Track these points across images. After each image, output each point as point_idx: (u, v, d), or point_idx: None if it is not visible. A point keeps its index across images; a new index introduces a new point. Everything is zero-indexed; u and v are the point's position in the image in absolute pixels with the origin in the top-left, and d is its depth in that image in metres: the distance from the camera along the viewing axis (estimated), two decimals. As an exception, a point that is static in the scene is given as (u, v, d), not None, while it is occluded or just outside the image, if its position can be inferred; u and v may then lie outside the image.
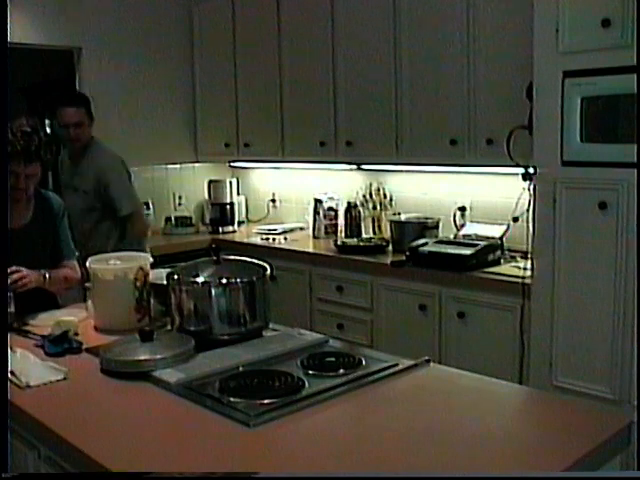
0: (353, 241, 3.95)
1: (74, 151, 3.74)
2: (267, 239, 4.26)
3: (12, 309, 2.32)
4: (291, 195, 4.76)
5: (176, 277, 2.15)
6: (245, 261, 2.44)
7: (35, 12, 4.18)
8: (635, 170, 2.37)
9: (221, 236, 4.56)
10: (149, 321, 2.30)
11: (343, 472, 1.36)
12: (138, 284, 2.28)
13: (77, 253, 2.82)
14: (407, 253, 3.39)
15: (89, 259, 2.39)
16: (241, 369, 1.87)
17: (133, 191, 3.78)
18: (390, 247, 3.75)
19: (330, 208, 4.26)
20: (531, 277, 2.79)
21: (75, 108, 3.58)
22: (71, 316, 2.28)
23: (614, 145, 2.45)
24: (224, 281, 2.08)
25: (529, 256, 2.91)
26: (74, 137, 3.61)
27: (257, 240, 4.28)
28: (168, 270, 2.26)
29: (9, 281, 2.34)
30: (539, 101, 2.64)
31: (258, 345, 2.06)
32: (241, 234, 4.59)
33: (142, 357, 1.87)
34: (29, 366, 1.88)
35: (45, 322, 2.26)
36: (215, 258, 2.21)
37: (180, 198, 4.89)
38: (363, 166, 4.11)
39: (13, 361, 1.89)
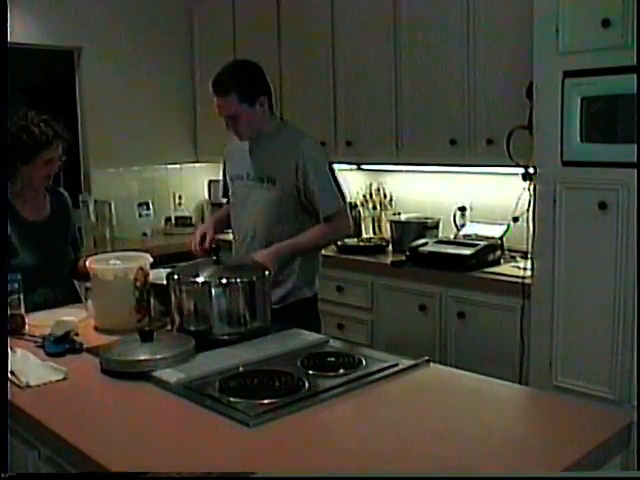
0: (353, 241, 3.95)
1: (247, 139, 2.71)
2: (267, 239, 4.25)
3: (22, 311, 2.31)
4: (291, 195, 4.76)
5: (176, 277, 2.15)
6: (245, 261, 2.44)
7: (35, 12, 4.18)
8: (635, 170, 2.37)
9: (221, 236, 4.54)
10: (149, 321, 2.30)
11: (343, 472, 1.36)
12: (138, 284, 2.28)
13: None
14: (407, 253, 3.39)
15: (89, 259, 2.39)
16: (241, 369, 1.86)
17: (335, 184, 2.63)
18: (390, 247, 3.76)
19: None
20: (531, 277, 2.79)
21: (222, 97, 2.60)
22: (71, 316, 2.28)
23: (614, 145, 2.45)
24: (224, 281, 2.08)
25: (529, 256, 2.91)
26: (234, 131, 2.65)
27: (257, 240, 4.27)
28: (168, 270, 2.26)
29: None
30: (539, 101, 2.64)
31: (258, 345, 2.06)
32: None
33: (142, 357, 1.87)
34: (29, 366, 1.88)
35: (45, 322, 2.26)
36: (215, 258, 2.21)
37: (180, 198, 4.89)
38: (363, 166, 4.11)
39: (13, 361, 1.88)
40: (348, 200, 4.10)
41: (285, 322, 2.25)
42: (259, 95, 2.59)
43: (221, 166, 2.92)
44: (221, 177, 2.95)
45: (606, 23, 2.38)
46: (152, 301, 2.33)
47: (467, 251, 3.20)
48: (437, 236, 3.63)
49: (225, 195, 2.91)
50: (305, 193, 2.57)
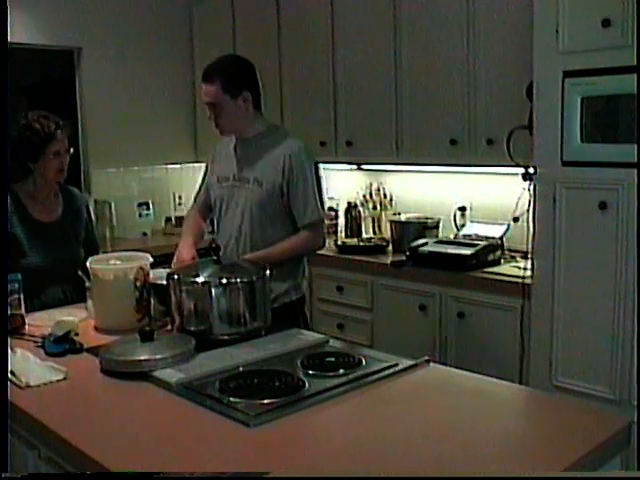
0: (353, 241, 3.95)
1: (238, 138, 2.71)
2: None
3: (22, 311, 2.31)
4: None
5: (176, 277, 2.15)
6: (245, 261, 2.44)
7: (36, 12, 4.18)
8: (635, 170, 2.37)
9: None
10: (149, 321, 2.30)
11: (343, 472, 1.36)
12: (138, 284, 2.28)
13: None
14: (407, 253, 3.39)
15: (89, 259, 2.39)
16: (241, 369, 1.87)
17: (318, 194, 2.60)
18: (390, 247, 3.76)
19: (330, 208, 4.26)
20: (531, 277, 2.79)
21: (207, 83, 2.54)
22: (71, 316, 2.28)
23: (614, 145, 2.45)
24: (224, 281, 2.08)
25: (529, 256, 2.91)
26: (215, 122, 2.64)
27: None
28: (168, 270, 2.26)
29: None
30: (539, 101, 2.64)
31: (258, 345, 2.06)
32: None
33: (142, 357, 1.87)
34: (29, 366, 1.88)
35: (45, 322, 2.26)
36: (215, 258, 2.21)
37: (180, 198, 4.88)
38: (363, 166, 4.11)
39: (13, 361, 1.89)
40: (348, 200, 4.18)
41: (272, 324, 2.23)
42: (243, 89, 2.56)
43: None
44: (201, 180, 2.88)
45: (606, 23, 2.38)
46: (152, 301, 2.33)
47: (467, 251, 3.20)
48: (437, 236, 3.63)
49: (206, 199, 2.82)
50: (288, 197, 2.54)
